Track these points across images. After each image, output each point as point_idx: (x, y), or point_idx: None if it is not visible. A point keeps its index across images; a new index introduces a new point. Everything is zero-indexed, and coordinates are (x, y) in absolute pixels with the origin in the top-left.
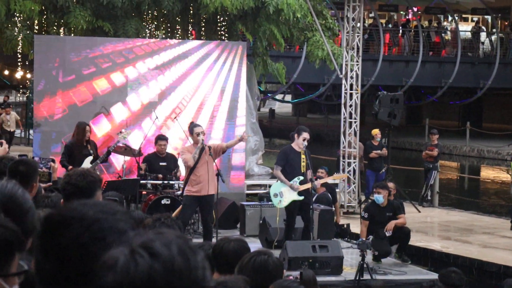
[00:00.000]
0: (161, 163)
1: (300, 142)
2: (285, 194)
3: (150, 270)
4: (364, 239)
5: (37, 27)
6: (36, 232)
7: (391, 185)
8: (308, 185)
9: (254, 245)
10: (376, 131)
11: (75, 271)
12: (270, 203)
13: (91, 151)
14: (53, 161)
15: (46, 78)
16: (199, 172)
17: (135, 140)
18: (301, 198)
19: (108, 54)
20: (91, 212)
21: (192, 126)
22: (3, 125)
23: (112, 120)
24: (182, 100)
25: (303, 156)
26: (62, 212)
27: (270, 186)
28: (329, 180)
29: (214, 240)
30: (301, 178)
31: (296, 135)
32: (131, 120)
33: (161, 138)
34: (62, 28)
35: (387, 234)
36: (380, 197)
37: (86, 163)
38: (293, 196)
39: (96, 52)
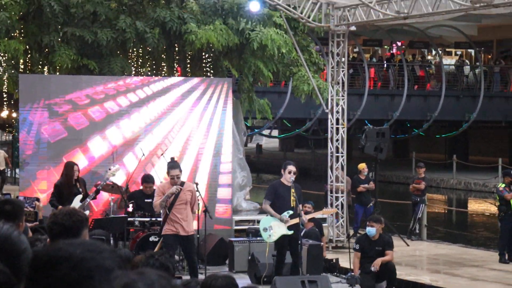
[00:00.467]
0: (146, 200)
1: (287, 176)
2: (274, 228)
3: None
4: (353, 273)
5: (22, 66)
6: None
7: (380, 218)
8: (296, 220)
9: (243, 281)
10: (363, 165)
11: None
12: (258, 238)
13: (80, 190)
14: (38, 200)
15: (32, 117)
16: (178, 212)
17: (118, 176)
18: (291, 232)
19: (90, 94)
20: (78, 251)
21: (169, 167)
22: None
23: (88, 154)
24: (168, 135)
25: (292, 190)
26: (49, 252)
27: (258, 221)
28: (319, 215)
29: (201, 276)
30: (291, 212)
31: (282, 170)
32: (113, 153)
33: (147, 181)
34: (47, 67)
35: (373, 269)
36: (373, 230)
37: (76, 202)
38: (283, 230)
39: (77, 93)
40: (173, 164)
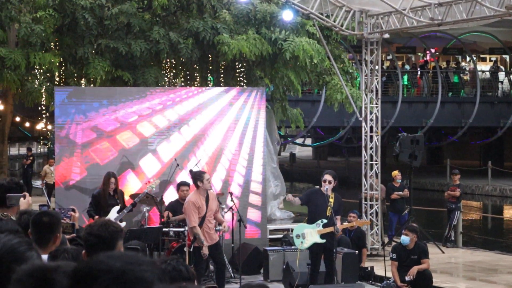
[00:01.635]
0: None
1: (323, 185)
2: (307, 236)
3: None
4: (388, 281)
5: (57, 79)
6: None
7: (415, 227)
8: (330, 229)
9: None
10: (395, 173)
11: None
12: (293, 247)
13: (118, 201)
14: (73, 210)
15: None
16: (209, 222)
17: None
18: (323, 241)
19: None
20: (118, 264)
21: (200, 173)
22: (45, 177)
23: (139, 174)
24: (203, 147)
25: (331, 200)
26: (89, 264)
27: (291, 230)
28: (351, 225)
29: (235, 286)
30: (325, 221)
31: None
32: (158, 173)
33: (183, 184)
34: (81, 79)
35: (407, 278)
36: (406, 239)
37: (113, 213)
38: (315, 238)
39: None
40: (202, 171)
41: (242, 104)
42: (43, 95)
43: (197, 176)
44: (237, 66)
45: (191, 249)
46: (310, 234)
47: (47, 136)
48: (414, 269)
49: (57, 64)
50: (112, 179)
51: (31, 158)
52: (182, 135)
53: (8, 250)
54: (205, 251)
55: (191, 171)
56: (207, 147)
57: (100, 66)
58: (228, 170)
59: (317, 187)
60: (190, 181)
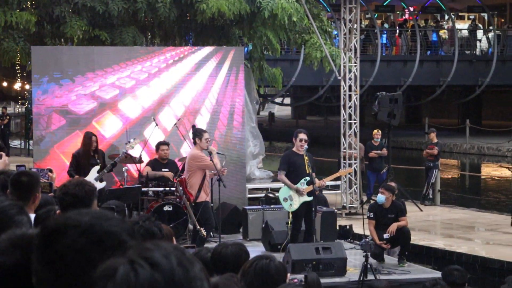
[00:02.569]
0: (163, 169)
1: (298, 144)
2: (294, 197)
3: (151, 281)
4: (367, 239)
5: (34, 38)
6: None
7: (394, 185)
8: (310, 188)
9: (258, 249)
10: (375, 131)
11: (73, 277)
12: (272, 206)
13: (98, 161)
14: (51, 171)
15: (43, 89)
16: (207, 179)
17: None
18: (310, 198)
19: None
20: (86, 219)
21: (201, 130)
22: None
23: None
24: (181, 105)
25: (306, 158)
26: (57, 220)
27: (271, 189)
28: (335, 177)
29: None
30: (308, 178)
31: (293, 138)
32: (130, 126)
33: (163, 143)
34: (58, 38)
35: (386, 236)
36: (382, 197)
37: (93, 173)
38: (303, 197)
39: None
40: (202, 129)
41: (220, 63)
42: (19, 54)
43: (197, 133)
44: (215, 26)
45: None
46: (297, 195)
47: (24, 95)
48: (394, 226)
49: (34, 23)
50: (94, 138)
51: (7, 117)
52: (157, 93)
53: None
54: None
55: (193, 127)
56: (184, 106)
57: (77, 25)
58: (207, 129)
59: (291, 148)
60: (168, 139)
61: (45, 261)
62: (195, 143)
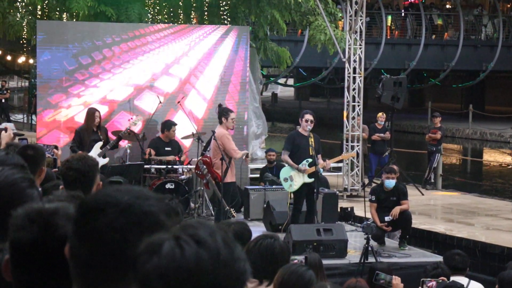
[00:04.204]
0: (166, 148)
1: (304, 125)
2: (295, 178)
3: (197, 257)
4: (368, 222)
5: (39, 13)
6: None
7: (395, 168)
8: (313, 169)
9: (259, 229)
10: (380, 114)
11: (110, 256)
12: (274, 186)
13: (101, 137)
14: (56, 147)
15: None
16: (234, 161)
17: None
18: (311, 180)
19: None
20: (126, 198)
21: (227, 110)
22: None
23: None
24: (185, 83)
25: (311, 140)
26: (96, 197)
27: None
28: (337, 160)
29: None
30: (310, 160)
31: (300, 119)
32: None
33: (174, 124)
34: (64, 13)
35: (387, 219)
36: (392, 182)
37: (96, 149)
38: (303, 179)
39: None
40: (229, 108)
41: (226, 42)
42: (25, 28)
43: (223, 112)
44: (221, 4)
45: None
46: (298, 176)
47: (28, 70)
48: (397, 209)
49: None
50: (97, 113)
51: (8, 91)
52: (161, 72)
53: (9, 184)
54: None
55: (219, 106)
56: (188, 84)
57: (83, 0)
58: (210, 108)
59: (296, 128)
60: (176, 119)
61: (82, 237)
62: (220, 122)
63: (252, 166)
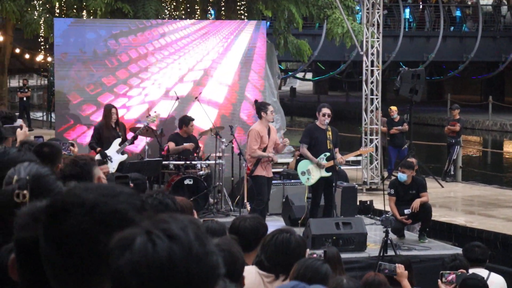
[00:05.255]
0: (185, 144)
1: (321, 119)
2: (312, 171)
3: (169, 252)
4: (387, 215)
5: (57, 11)
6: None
7: (413, 161)
8: (331, 163)
9: (278, 223)
10: (393, 108)
11: (80, 257)
12: (293, 181)
13: (119, 133)
14: (73, 144)
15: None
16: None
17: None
18: (329, 174)
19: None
20: (91, 197)
21: (265, 103)
22: None
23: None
24: (202, 79)
25: (329, 133)
26: (63, 198)
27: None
28: (355, 154)
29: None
30: (328, 154)
31: (317, 113)
32: (153, 103)
33: (192, 119)
34: (82, 10)
35: (406, 211)
36: (404, 176)
37: (115, 145)
38: (321, 173)
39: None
40: (266, 102)
41: (243, 36)
42: (42, 26)
43: (261, 106)
44: (238, 0)
45: (250, 178)
46: (315, 170)
47: (47, 68)
48: (417, 202)
49: None
50: (113, 110)
51: (29, 90)
52: (180, 68)
53: (41, 176)
54: (274, 158)
55: (256, 101)
56: (205, 80)
57: None
58: (227, 103)
59: (314, 122)
60: (194, 115)
61: (50, 239)
62: (260, 117)
63: None
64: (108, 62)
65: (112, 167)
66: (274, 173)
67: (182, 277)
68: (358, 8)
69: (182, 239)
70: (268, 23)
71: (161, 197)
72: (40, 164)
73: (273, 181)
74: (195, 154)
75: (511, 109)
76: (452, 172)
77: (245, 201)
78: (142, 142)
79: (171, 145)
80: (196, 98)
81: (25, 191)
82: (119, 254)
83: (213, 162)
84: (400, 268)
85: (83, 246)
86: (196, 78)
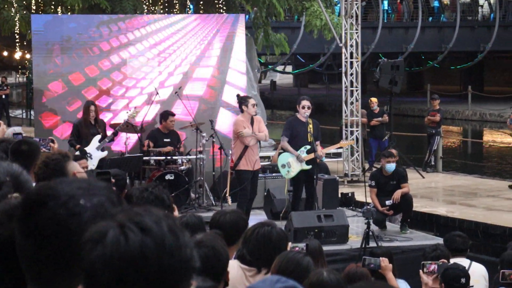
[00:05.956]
0: (165, 140)
1: (301, 111)
2: (292, 164)
3: (142, 245)
4: (369, 207)
5: (34, 7)
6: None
7: (394, 151)
8: (311, 155)
9: (260, 217)
10: (373, 99)
11: (55, 249)
12: (274, 174)
13: (99, 130)
14: (53, 141)
15: (44, 60)
16: (254, 147)
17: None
18: (309, 167)
19: (106, 35)
20: (67, 189)
21: (245, 97)
22: None
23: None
24: (181, 74)
25: (310, 126)
26: (38, 191)
27: (271, 157)
28: (336, 147)
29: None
30: (308, 147)
31: (297, 105)
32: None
33: (171, 114)
34: (59, 7)
35: (388, 202)
36: (392, 166)
37: (94, 142)
38: (301, 165)
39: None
40: (247, 95)
41: (221, 30)
42: (18, 23)
43: (242, 100)
44: None
45: (233, 173)
46: (296, 162)
47: (25, 65)
48: (398, 193)
49: None
50: (92, 107)
51: (7, 87)
52: (158, 63)
53: (17, 176)
54: (247, 133)
55: (238, 96)
56: (185, 75)
57: None
58: (209, 97)
59: (295, 115)
60: (174, 110)
61: (26, 232)
62: (242, 111)
63: None
64: (89, 50)
65: (92, 164)
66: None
67: (155, 270)
68: (336, 0)
69: (155, 232)
70: (247, 16)
71: (157, 192)
72: (8, 161)
73: None
74: (173, 149)
75: (490, 98)
76: (432, 163)
77: (227, 194)
78: (123, 139)
79: (151, 143)
80: (176, 93)
81: (16, 194)
82: (91, 247)
83: (194, 157)
84: (384, 262)
85: (59, 238)
86: (176, 82)
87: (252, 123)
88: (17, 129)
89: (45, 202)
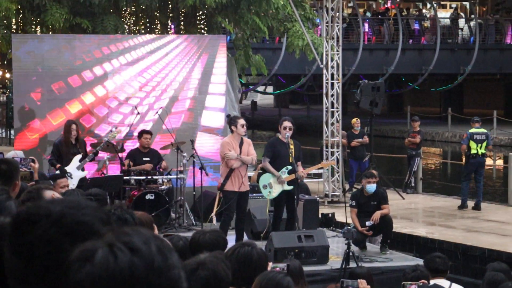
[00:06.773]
0: (144, 158)
1: (283, 132)
2: (274, 185)
3: (130, 265)
4: (349, 227)
5: (14, 26)
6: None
7: (375, 172)
8: (292, 176)
9: (231, 237)
10: (354, 120)
11: (45, 268)
12: (255, 195)
13: (79, 150)
14: (33, 161)
15: (25, 77)
16: (242, 169)
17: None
18: (291, 187)
19: (84, 52)
20: (58, 208)
21: (235, 118)
22: None
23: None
24: (162, 93)
25: (291, 147)
26: (29, 210)
27: (250, 177)
28: (317, 168)
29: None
30: (289, 168)
31: (279, 126)
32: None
33: (145, 132)
34: (39, 26)
35: (368, 223)
36: (372, 187)
37: (75, 162)
38: (283, 186)
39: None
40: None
41: (202, 51)
42: (0, 42)
43: (231, 121)
44: (197, 14)
45: (221, 193)
46: (277, 183)
47: (5, 84)
48: (377, 214)
49: (14, 11)
50: (74, 126)
51: None
52: (139, 83)
53: None
54: (232, 155)
55: (228, 116)
56: (165, 95)
57: (58, 13)
58: (189, 118)
59: (276, 136)
60: (153, 129)
61: (16, 250)
62: (232, 131)
63: None
64: (70, 80)
65: (72, 183)
66: None
67: None
68: (318, 20)
69: (144, 252)
70: (228, 37)
71: (119, 213)
72: None
73: None
74: (156, 169)
75: (470, 120)
76: (412, 184)
77: (212, 214)
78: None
79: (131, 163)
80: (156, 113)
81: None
82: (79, 267)
83: (175, 176)
84: (362, 284)
85: (49, 257)
86: (163, 105)
87: (241, 144)
88: (19, 153)
89: (37, 220)
